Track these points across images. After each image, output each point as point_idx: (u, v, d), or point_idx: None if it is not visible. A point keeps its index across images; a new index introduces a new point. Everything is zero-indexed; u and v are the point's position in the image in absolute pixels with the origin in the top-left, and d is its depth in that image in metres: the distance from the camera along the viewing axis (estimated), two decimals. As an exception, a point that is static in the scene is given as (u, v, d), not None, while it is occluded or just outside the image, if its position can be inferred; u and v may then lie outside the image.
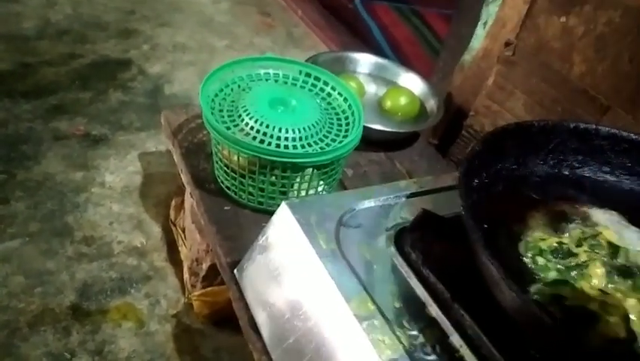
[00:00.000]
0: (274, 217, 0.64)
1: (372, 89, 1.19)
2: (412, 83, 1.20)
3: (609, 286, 0.49)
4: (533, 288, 0.48)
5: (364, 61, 1.23)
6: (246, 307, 0.68)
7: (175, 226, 1.19)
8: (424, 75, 1.21)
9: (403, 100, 1.12)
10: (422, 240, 0.56)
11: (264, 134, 0.77)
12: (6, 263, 1.09)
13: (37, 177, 1.29)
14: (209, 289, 1.01)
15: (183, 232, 1.14)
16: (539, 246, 0.52)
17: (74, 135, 1.45)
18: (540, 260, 0.51)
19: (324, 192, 0.87)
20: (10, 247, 1.12)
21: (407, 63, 1.24)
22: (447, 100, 1.23)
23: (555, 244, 0.52)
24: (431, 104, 1.15)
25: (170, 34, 2.04)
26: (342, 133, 0.84)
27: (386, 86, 1.19)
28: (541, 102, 1.02)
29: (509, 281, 0.40)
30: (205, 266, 0.98)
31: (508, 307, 0.44)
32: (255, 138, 0.77)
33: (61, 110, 1.53)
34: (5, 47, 1.74)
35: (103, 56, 1.82)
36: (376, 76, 1.22)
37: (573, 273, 0.49)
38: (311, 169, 0.81)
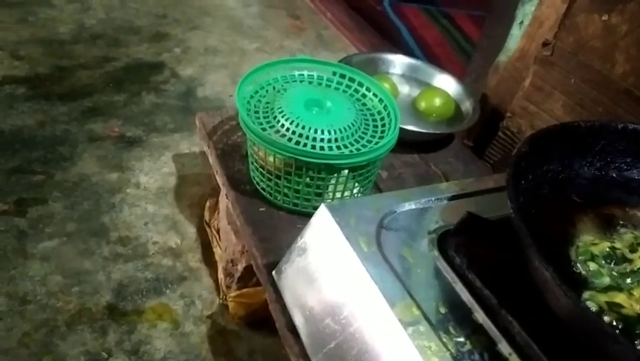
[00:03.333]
0: (313, 219, 0.63)
1: (405, 90, 1.17)
2: (446, 84, 1.18)
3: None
4: (586, 294, 0.46)
5: (397, 62, 1.22)
6: (284, 309, 0.68)
7: (209, 226, 1.20)
8: (456, 77, 1.19)
9: (437, 101, 1.10)
10: (466, 243, 0.55)
11: (300, 135, 0.77)
12: (45, 263, 1.11)
13: (73, 178, 1.32)
14: (244, 290, 1.01)
15: (218, 232, 1.14)
16: (591, 250, 0.50)
17: (109, 137, 1.47)
18: (592, 265, 0.49)
19: (359, 194, 0.86)
20: (48, 246, 1.14)
21: (437, 65, 1.23)
22: (482, 101, 1.21)
23: (607, 249, 0.50)
24: (466, 105, 1.13)
25: (201, 38, 2.06)
26: (378, 134, 0.83)
27: (419, 87, 1.17)
28: (581, 103, 1.00)
29: (565, 287, 0.39)
30: (240, 267, 0.98)
31: (562, 314, 0.42)
32: (290, 139, 0.77)
33: (96, 112, 1.55)
34: (42, 51, 1.78)
35: (136, 60, 1.84)
36: (409, 77, 1.21)
37: (628, 280, 0.48)
38: (346, 171, 0.80)
